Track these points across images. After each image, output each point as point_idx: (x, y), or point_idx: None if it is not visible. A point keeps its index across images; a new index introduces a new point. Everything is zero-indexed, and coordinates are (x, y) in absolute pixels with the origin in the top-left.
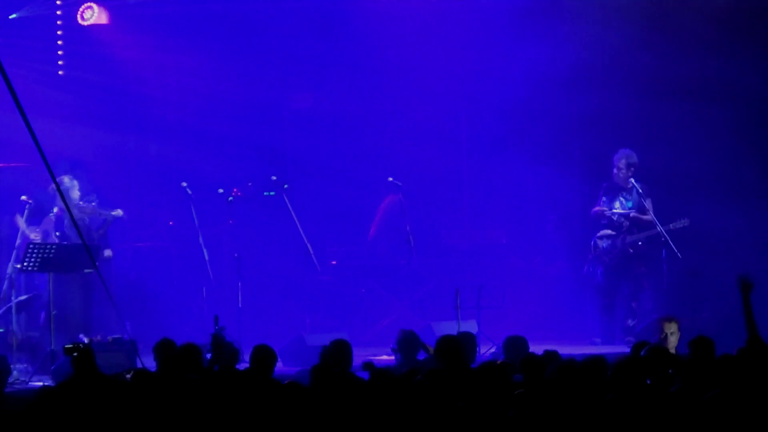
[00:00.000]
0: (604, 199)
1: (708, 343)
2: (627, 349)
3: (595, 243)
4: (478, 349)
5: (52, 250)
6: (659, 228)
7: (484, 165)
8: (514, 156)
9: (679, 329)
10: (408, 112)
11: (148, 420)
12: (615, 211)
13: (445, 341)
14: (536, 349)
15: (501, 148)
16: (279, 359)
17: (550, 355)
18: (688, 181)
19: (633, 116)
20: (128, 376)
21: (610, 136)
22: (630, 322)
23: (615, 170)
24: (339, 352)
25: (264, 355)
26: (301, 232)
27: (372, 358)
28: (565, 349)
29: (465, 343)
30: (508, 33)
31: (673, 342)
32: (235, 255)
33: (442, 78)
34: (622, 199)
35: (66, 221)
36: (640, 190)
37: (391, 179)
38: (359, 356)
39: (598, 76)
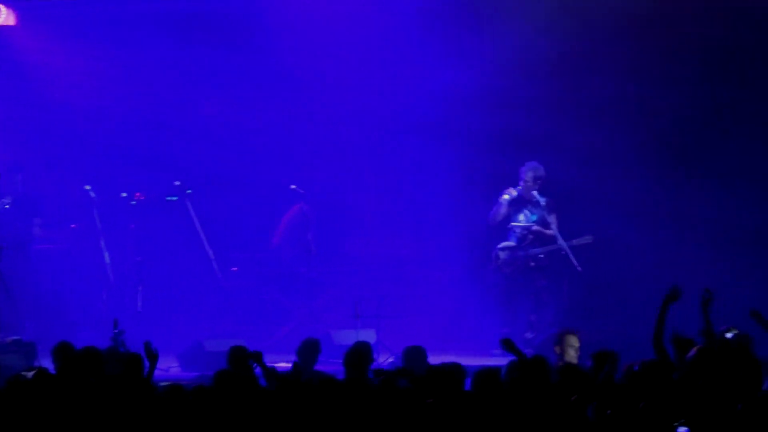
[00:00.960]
0: (511, 209)
1: (612, 356)
2: None
3: (496, 254)
4: (376, 358)
5: None
6: (561, 242)
7: (387, 175)
8: (418, 167)
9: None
10: (314, 121)
11: (46, 421)
12: (517, 224)
13: (355, 350)
14: (435, 359)
15: (406, 159)
16: (177, 364)
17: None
18: (592, 198)
19: (540, 132)
20: (29, 374)
21: (517, 151)
22: (529, 335)
23: (521, 183)
24: (238, 358)
25: (134, 362)
26: (203, 237)
27: (271, 365)
28: (463, 360)
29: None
30: (419, 46)
31: (573, 355)
32: (137, 259)
33: (348, 88)
34: (527, 212)
35: None
36: (543, 204)
37: (294, 187)
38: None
39: (507, 93)
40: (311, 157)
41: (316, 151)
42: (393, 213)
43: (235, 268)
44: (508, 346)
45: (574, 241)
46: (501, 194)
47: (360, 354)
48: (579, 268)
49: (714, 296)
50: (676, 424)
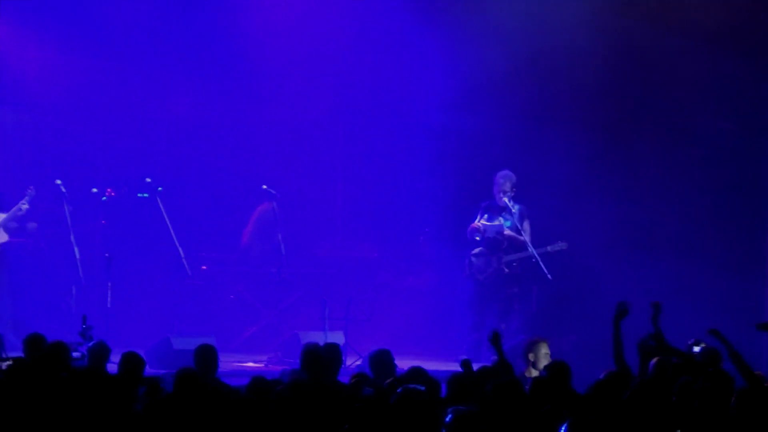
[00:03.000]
0: (486, 216)
1: (564, 368)
2: None
3: (469, 261)
4: (344, 360)
5: None
6: (531, 250)
7: (359, 176)
8: (390, 168)
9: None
10: (286, 120)
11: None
12: (486, 222)
13: (309, 352)
14: (402, 363)
15: (377, 161)
16: (145, 361)
17: (416, 372)
18: (567, 206)
19: (512, 138)
20: (4, 364)
21: (488, 155)
22: None
23: (496, 189)
24: (205, 357)
25: (134, 363)
26: (173, 235)
27: (238, 364)
28: (430, 365)
29: (330, 354)
30: (399, 45)
31: (545, 363)
32: (106, 255)
33: (321, 87)
34: (501, 219)
35: None
36: (514, 210)
37: (265, 187)
38: (226, 362)
39: (481, 97)
40: (283, 157)
41: (288, 152)
42: (364, 215)
43: (205, 267)
44: (495, 342)
45: (549, 248)
46: (478, 209)
47: (320, 355)
48: (549, 277)
49: (662, 308)
50: None
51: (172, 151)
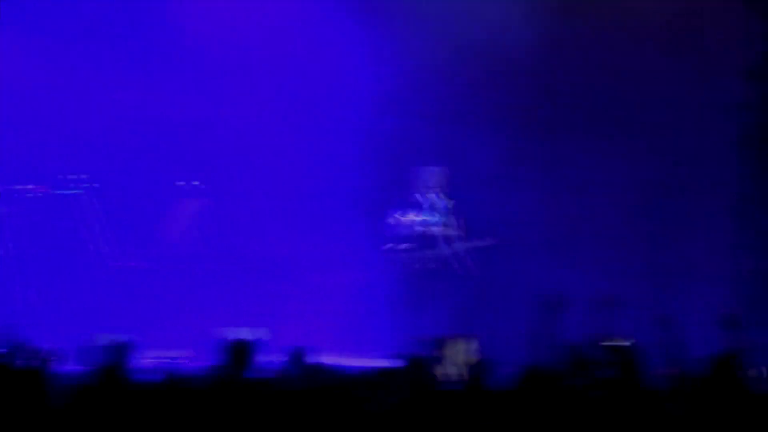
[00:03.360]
0: (412, 212)
1: (486, 366)
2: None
3: (395, 257)
4: (265, 357)
5: None
6: (457, 245)
7: (289, 173)
8: (313, 166)
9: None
10: (217, 117)
11: None
12: (412, 218)
13: (231, 348)
14: (325, 361)
15: (309, 158)
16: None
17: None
18: (495, 201)
19: (438, 133)
20: None
21: (413, 151)
22: (422, 338)
23: (421, 185)
24: (122, 353)
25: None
26: (96, 231)
27: (156, 360)
28: (352, 362)
29: (251, 351)
30: (324, 41)
31: (467, 361)
32: (34, 252)
33: (252, 83)
34: (427, 214)
35: None
36: (440, 206)
37: (196, 183)
38: (143, 359)
39: (405, 94)
40: (214, 153)
41: (219, 148)
42: (293, 212)
43: (128, 263)
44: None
45: (475, 243)
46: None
47: (247, 350)
48: (475, 272)
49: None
50: None
51: (95, 147)
